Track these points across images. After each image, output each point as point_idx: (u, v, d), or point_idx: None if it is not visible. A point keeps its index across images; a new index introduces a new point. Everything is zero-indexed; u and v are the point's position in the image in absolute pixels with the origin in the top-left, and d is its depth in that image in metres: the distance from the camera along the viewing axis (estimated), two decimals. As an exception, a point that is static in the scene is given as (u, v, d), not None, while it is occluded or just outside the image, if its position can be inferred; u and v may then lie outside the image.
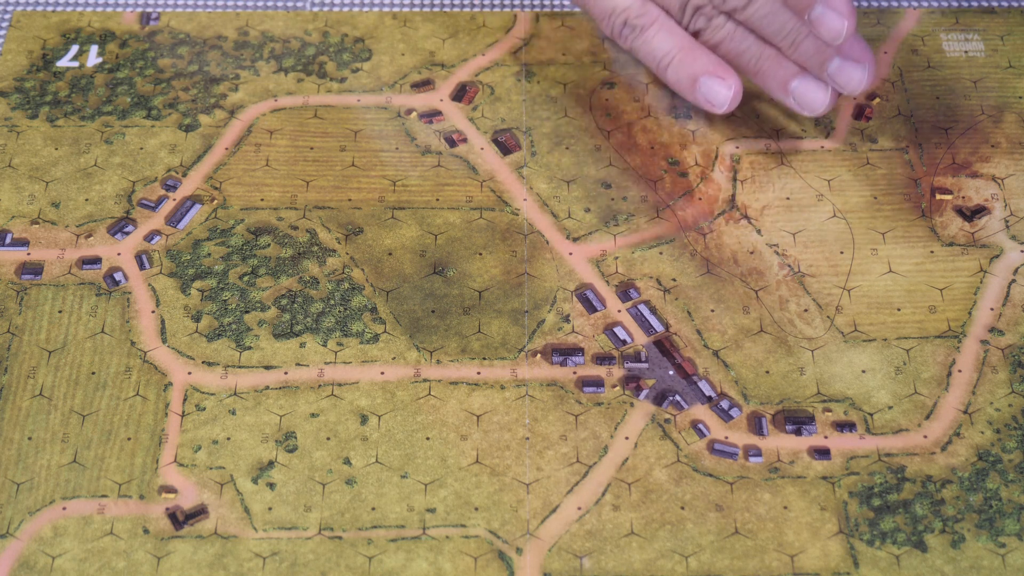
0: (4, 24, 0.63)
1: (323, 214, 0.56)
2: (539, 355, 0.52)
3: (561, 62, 0.62)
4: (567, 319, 0.53)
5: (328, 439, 0.50)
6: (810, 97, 0.57)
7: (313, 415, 0.50)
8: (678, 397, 0.51)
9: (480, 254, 0.55)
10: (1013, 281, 0.54)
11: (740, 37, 0.58)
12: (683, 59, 0.58)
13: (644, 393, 0.51)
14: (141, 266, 0.54)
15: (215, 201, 0.57)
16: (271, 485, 0.49)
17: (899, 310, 0.53)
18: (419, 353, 0.52)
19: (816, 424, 0.50)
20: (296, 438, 0.50)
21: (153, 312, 0.53)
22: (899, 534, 0.48)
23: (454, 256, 0.55)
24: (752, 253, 0.55)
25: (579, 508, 0.48)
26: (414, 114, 0.60)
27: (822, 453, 0.50)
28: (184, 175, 0.57)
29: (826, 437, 0.50)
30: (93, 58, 0.62)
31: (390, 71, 0.61)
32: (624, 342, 0.52)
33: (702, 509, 0.48)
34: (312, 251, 0.55)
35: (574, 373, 0.52)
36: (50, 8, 0.64)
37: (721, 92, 0.57)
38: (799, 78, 0.58)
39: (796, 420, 0.50)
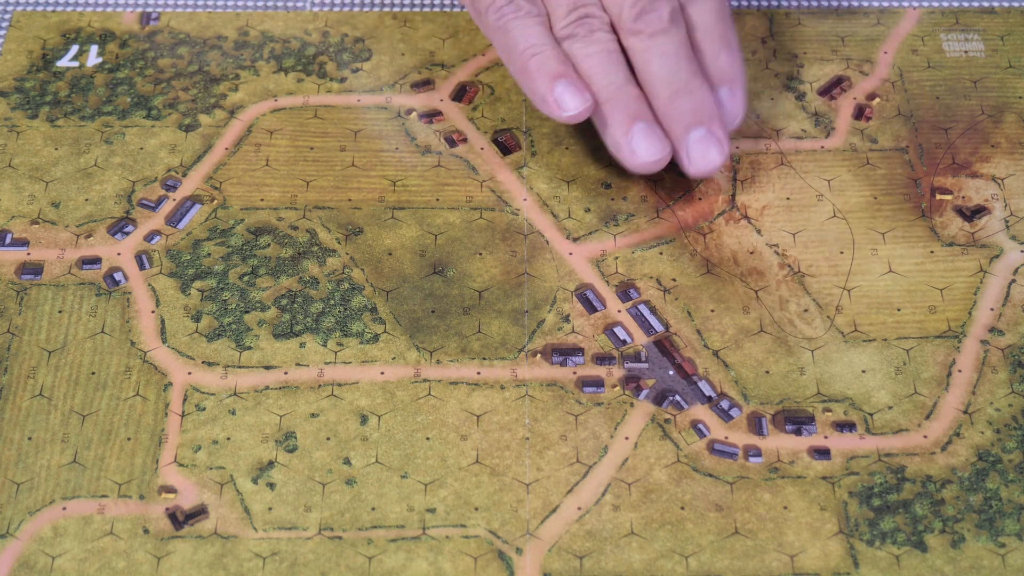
0: (4, 24, 0.63)
1: (323, 214, 0.56)
2: (539, 355, 0.52)
3: (561, 62, 0.62)
4: (567, 319, 0.53)
5: (328, 439, 0.50)
6: (648, 147, 0.54)
7: (313, 415, 0.50)
8: (678, 397, 0.51)
9: (480, 254, 0.55)
10: (1013, 281, 0.54)
11: (611, 61, 0.55)
12: (552, 55, 0.55)
13: (644, 393, 0.51)
14: (141, 266, 0.54)
15: (215, 201, 0.56)
16: (271, 485, 0.49)
17: (899, 310, 0.53)
18: (419, 353, 0.52)
19: (816, 424, 0.50)
20: (296, 438, 0.50)
21: (153, 312, 0.53)
22: (899, 534, 0.48)
23: (454, 256, 0.55)
24: (752, 253, 0.55)
25: (579, 508, 0.48)
26: (414, 114, 0.60)
27: (822, 453, 0.50)
28: (184, 175, 0.57)
29: (826, 437, 0.50)
30: (93, 58, 0.62)
31: (390, 71, 0.61)
32: (624, 342, 0.52)
33: (702, 509, 0.48)
34: (312, 251, 0.55)
35: (574, 373, 0.52)
36: (50, 8, 0.64)
37: (576, 99, 0.54)
38: (647, 123, 0.54)
39: (796, 420, 0.50)
